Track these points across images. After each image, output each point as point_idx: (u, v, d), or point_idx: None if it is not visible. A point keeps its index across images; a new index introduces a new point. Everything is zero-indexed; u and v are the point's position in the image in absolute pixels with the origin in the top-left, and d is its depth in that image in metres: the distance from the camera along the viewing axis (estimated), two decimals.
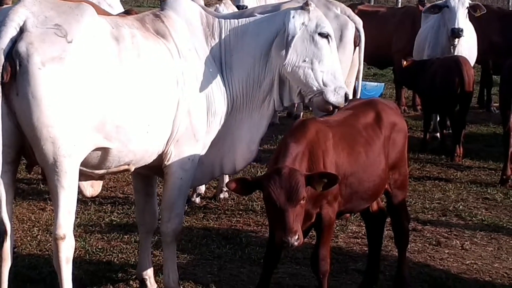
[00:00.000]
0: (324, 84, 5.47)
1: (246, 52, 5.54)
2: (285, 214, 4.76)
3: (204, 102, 5.42)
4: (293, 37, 5.38)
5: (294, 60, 5.46)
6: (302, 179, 4.83)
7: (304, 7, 5.48)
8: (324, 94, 5.47)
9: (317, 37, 5.47)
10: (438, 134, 10.84)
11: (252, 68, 5.55)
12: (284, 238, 4.73)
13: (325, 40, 5.48)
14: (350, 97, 6.10)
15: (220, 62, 5.55)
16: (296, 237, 4.74)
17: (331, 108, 5.52)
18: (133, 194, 6.40)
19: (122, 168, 5.25)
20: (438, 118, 10.82)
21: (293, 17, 5.43)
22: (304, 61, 5.46)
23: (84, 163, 4.96)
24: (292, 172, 4.84)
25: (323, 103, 5.53)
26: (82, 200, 7.08)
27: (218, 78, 5.51)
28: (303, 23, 5.45)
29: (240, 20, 5.66)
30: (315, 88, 5.48)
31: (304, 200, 4.84)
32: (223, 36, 5.58)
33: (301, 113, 12.17)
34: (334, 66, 5.51)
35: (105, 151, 5.02)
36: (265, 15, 5.73)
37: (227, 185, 5.02)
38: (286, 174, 4.82)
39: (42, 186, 8.24)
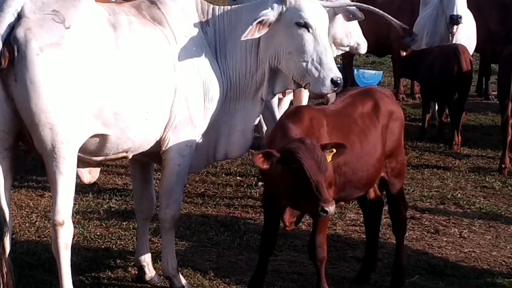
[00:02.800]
0: (309, 74, 5.37)
1: (239, 41, 5.52)
2: (320, 184, 4.75)
3: (201, 88, 5.42)
4: (255, 20, 5.30)
5: (277, 52, 5.42)
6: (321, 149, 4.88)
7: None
8: (309, 84, 5.42)
9: (294, 27, 5.37)
10: (436, 122, 10.83)
11: (244, 58, 5.55)
12: (326, 208, 4.72)
13: (303, 29, 5.36)
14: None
15: (215, 49, 5.56)
16: (334, 206, 4.76)
17: (322, 96, 5.47)
18: (131, 181, 6.40)
19: (120, 155, 5.26)
20: (437, 107, 10.81)
21: (271, 6, 5.38)
22: (290, 53, 5.39)
23: (82, 150, 4.96)
24: (314, 142, 4.85)
25: (310, 92, 5.52)
26: (81, 186, 7.06)
27: (214, 64, 5.52)
28: (280, 13, 5.40)
29: (234, 7, 5.66)
30: (301, 78, 5.42)
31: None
32: (217, 24, 5.58)
33: None
34: (319, 54, 5.36)
35: (103, 138, 5.03)
36: (255, 2, 5.71)
37: (254, 159, 4.90)
38: (310, 144, 4.82)
39: (40, 172, 8.23)
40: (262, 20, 5.33)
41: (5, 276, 4.78)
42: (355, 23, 7.91)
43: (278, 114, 7.97)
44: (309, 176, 4.75)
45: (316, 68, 5.34)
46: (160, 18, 5.36)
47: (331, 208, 4.74)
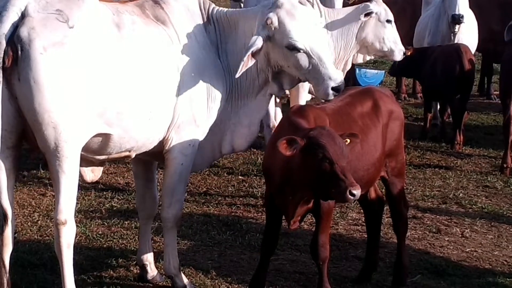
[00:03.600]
0: (309, 82, 5.51)
1: (238, 47, 5.54)
2: (345, 169, 4.79)
3: (204, 88, 5.43)
4: (246, 52, 5.31)
5: (278, 64, 5.47)
6: None
7: (264, 24, 5.36)
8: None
9: (285, 49, 5.38)
10: (438, 122, 10.83)
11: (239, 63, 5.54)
12: (353, 191, 4.74)
13: (294, 50, 5.35)
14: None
15: (217, 47, 5.57)
16: (360, 190, 4.78)
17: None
18: (133, 180, 6.41)
19: (123, 154, 5.27)
20: (439, 106, 10.81)
21: (258, 32, 5.38)
22: (288, 66, 5.43)
23: (85, 149, 4.97)
24: (333, 130, 4.90)
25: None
26: (83, 185, 7.09)
27: (217, 63, 5.53)
28: (268, 36, 5.38)
29: (229, 11, 5.68)
30: (304, 80, 5.53)
31: None
32: (218, 23, 5.59)
33: None
34: (315, 66, 5.36)
35: (106, 137, 5.03)
36: (252, 9, 5.74)
37: (277, 145, 4.91)
38: (331, 131, 4.87)
39: (42, 171, 8.25)
40: (252, 50, 5.32)
41: (3, 274, 4.81)
42: (390, 28, 7.94)
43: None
44: (335, 161, 4.79)
45: (315, 78, 5.41)
46: (164, 18, 5.37)
47: (358, 191, 4.76)
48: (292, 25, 5.37)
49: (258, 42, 5.35)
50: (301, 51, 5.36)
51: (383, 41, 7.95)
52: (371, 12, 7.84)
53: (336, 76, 5.41)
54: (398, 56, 8.12)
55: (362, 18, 7.85)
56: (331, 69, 5.41)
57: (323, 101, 5.60)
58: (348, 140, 5.00)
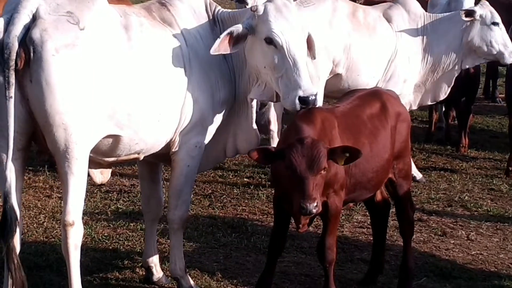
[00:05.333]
0: (280, 89, 5.30)
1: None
2: (305, 182, 4.81)
3: (210, 90, 5.44)
4: (224, 32, 5.28)
5: (256, 66, 5.39)
6: (324, 151, 4.90)
7: (250, 12, 5.35)
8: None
9: (263, 43, 5.30)
10: (443, 125, 10.82)
11: (241, 65, 5.54)
12: (303, 204, 4.77)
13: (271, 46, 5.26)
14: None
15: None
16: (315, 204, 4.78)
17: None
18: (139, 181, 6.44)
19: (132, 156, 5.28)
20: (444, 109, 10.80)
21: (243, 21, 5.36)
22: (264, 67, 5.33)
23: (94, 151, 4.99)
24: (315, 142, 4.90)
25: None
26: (88, 187, 7.09)
27: (223, 64, 5.54)
28: (251, 26, 5.33)
29: (233, 11, 5.68)
30: (278, 91, 5.37)
31: (325, 170, 4.90)
32: (223, 25, 5.58)
33: None
34: (288, 70, 5.22)
35: (116, 139, 5.05)
36: (246, 9, 5.73)
37: (249, 154, 5.03)
38: (308, 143, 4.88)
39: (48, 173, 8.25)
40: (231, 32, 5.29)
41: (15, 274, 4.81)
42: (497, 31, 7.90)
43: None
44: (293, 171, 4.83)
45: (286, 85, 5.24)
46: (170, 20, 5.39)
47: (309, 206, 4.78)
48: (276, 18, 5.29)
49: (240, 26, 5.31)
50: (278, 47, 5.26)
51: (490, 44, 7.89)
52: (473, 12, 7.79)
53: (307, 87, 5.22)
54: (509, 59, 8.01)
55: (464, 18, 7.80)
56: (304, 79, 5.22)
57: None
58: (347, 154, 5.00)
